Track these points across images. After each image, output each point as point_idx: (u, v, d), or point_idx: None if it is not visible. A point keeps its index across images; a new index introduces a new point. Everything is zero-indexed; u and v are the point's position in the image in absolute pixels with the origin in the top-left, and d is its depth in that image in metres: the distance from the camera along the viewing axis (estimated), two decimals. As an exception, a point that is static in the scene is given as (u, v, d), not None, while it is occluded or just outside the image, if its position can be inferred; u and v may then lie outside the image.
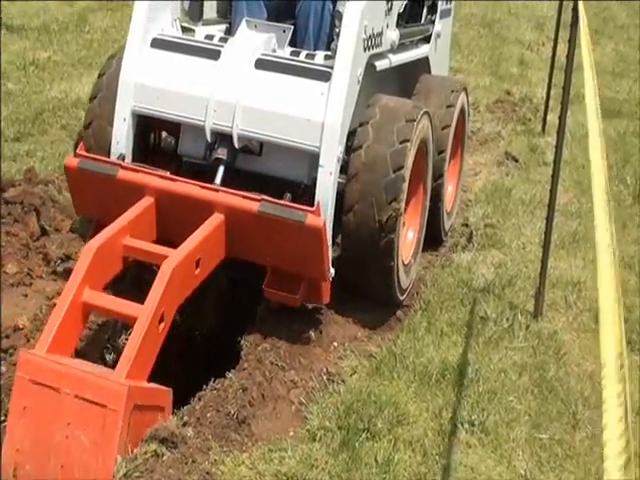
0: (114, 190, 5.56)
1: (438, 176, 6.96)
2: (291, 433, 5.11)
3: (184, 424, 4.83)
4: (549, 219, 6.44)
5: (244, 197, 5.36)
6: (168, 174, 5.54)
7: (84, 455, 4.39)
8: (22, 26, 12.48)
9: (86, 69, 10.94)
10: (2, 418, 4.79)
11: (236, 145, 5.76)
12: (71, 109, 9.50)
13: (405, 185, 5.85)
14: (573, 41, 6.18)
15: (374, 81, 6.35)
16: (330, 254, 5.59)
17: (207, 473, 4.56)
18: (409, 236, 6.55)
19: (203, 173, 5.94)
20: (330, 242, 5.61)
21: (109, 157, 5.85)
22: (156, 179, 5.48)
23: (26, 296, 5.79)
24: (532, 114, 11.28)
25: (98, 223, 5.76)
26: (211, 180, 5.72)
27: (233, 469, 4.70)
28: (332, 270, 5.67)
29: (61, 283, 5.96)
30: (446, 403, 5.46)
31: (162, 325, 4.85)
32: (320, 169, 5.55)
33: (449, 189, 7.74)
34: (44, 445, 4.41)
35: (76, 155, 5.71)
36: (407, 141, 5.80)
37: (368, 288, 6.17)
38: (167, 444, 4.62)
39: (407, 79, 7.26)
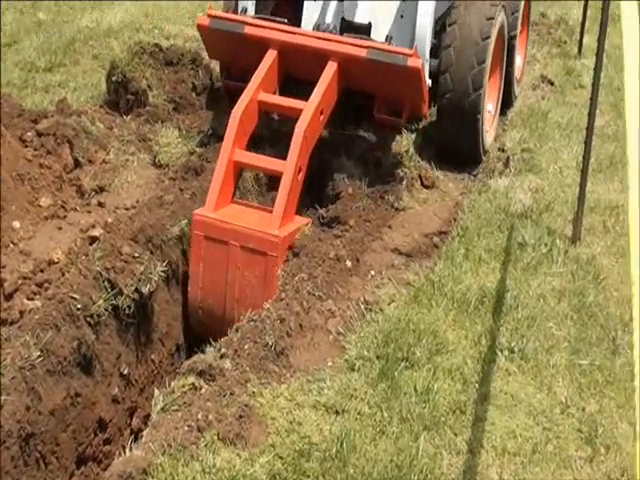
0: (242, 43, 6.70)
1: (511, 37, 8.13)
2: (329, 363, 5.10)
3: (222, 356, 4.84)
4: (587, 142, 6.27)
5: (353, 45, 6.41)
6: (289, 27, 6.61)
7: (253, 290, 5.75)
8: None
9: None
10: None
11: None
12: (103, 38, 9.33)
13: (487, 76, 7.14)
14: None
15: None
16: (427, 85, 6.74)
17: (245, 405, 4.55)
18: (489, 108, 7.74)
19: None
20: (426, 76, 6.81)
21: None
22: (278, 33, 6.55)
23: (60, 229, 5.76)
24: (567, 36, 10.99)
25: (226, 65, 7.27)
26: None
27: (272, 401, 4.70)
28: (429, 81, 6.86)
29: (95, 215, 5.95)
30: (485, 330, 5.42)
31: (300, 175, 6.13)
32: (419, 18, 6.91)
33: (518, 60, 8.83)
34: (221, 284, 5.84)
35: (207, 15, 6.78)
36: (488, 38, 7.06)
37: (459, 150, 7.38)
38: (205, 377, 4.64)
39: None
